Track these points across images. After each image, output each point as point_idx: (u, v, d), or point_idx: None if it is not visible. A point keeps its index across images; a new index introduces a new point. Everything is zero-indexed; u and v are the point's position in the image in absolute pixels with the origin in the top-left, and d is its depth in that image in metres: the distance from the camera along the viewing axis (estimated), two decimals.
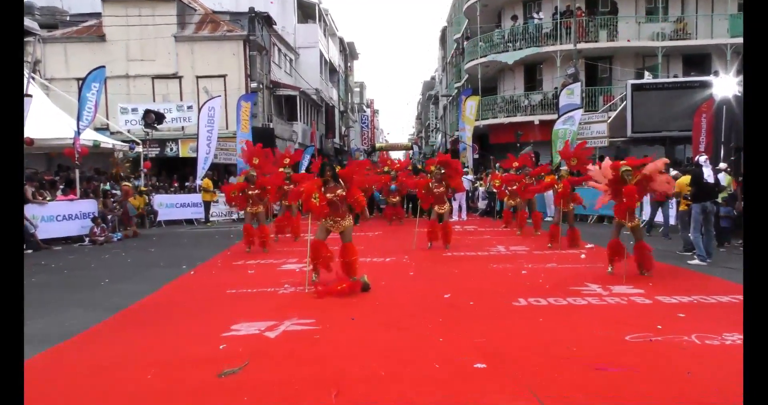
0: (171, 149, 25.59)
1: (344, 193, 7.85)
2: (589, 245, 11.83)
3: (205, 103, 22.19)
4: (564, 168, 12.81)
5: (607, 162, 8.69)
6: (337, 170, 8.08)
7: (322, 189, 7.79)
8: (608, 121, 20.81)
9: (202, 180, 20.51)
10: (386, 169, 19.94)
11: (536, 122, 27.29)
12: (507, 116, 28.97)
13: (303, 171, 23.80)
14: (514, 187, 14.88)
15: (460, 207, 19.92)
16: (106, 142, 18.64)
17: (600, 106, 25.07)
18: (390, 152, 53.37)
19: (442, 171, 11.90)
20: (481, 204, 21.99)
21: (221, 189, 12.74)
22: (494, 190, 18.01)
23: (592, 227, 16.33)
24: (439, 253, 11.44)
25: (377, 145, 56.51)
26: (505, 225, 15.95)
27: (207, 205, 19.95)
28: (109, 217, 15.98)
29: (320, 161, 20.01)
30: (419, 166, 19.17)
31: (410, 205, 20.97)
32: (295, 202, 12.10)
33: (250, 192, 11.91)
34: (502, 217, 16.56)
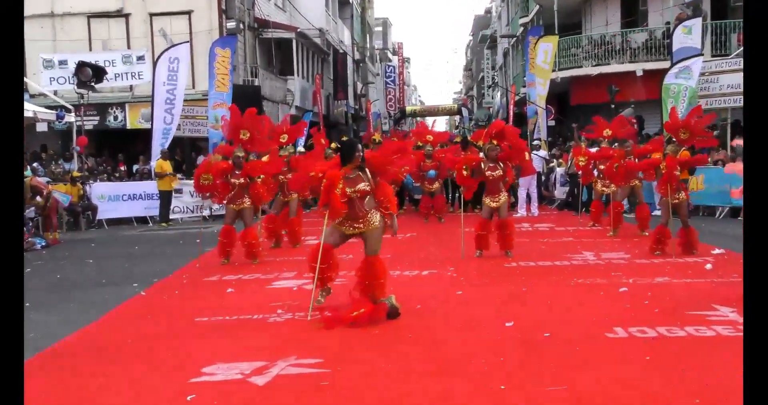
0: (115, 118, 25.91)
1: (369, 188, 7.79)
2: (717, 250, 11.71)
3: (163, 52, 22.39)
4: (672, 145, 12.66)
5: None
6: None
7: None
8: None
9: (156, 161, 20.71)
10: (419, 144, 19.92)
11: (639, 73, 27.05)
12: (596, 65, 28.74)
13: (301, 148, 23.89)
14: (605, 167, 14.69)
15: (528, 197, 19.85)
16: (25, 109, 18.95)
17: (733, 49, 24.71)
18: (428, 119, 53.55)
19: (497, 146, 11.79)
20: (559, 192, 21.87)
21: (194, 173, 12.71)
22: (578, 173, 17.72)
23: (722, 224, 16.14)
24: (498, 263, 11.42)
25: (408, 108, 56.64)
26: (594, 222, 15.86)
27: (165, 197, 20.14)
28: (31, 215, 16.21)
29: (322, 134, 20.19)
30: (468, 138, 19.06)
31: (455, 195, 20.92)
32: (301, 192, 12.06)
33: (233, 180, 11.95)
34: (590, 211, 16.43)
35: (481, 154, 11.99)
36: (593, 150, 16.47)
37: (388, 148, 8.35)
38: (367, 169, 7.82)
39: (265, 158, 13.24)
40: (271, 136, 13.55)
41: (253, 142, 12.15)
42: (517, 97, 34.49)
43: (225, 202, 12.14)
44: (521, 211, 19.37)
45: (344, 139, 8.92)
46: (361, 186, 7.74)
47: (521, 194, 19.55)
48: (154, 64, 22.30)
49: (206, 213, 19.18)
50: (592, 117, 16.73)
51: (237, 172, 11.96)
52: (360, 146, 7.95)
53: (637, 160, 14.15)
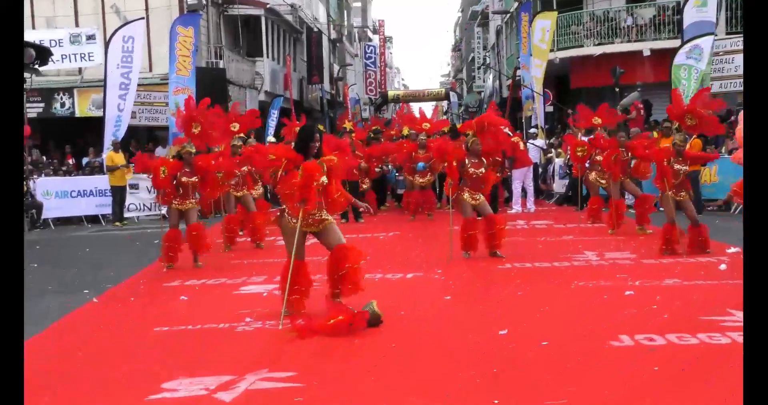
0: (62, 105, 25.78)
1: (326, 182, 7.98)
2: (732, 249, 11.77)
3: (116, 30, 22.24)
4: (679, 133, 12.70)
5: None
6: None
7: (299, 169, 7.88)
8: None
9: (106, 153, 20.61)
10: (407, 131, 19.93)
11: (646, 53, 27.19)
12: (599, 44, 28.84)
13: (271, 138, 23.85)
14: (602, 158, 14.59)
15: (524, 191, 19.92)
16: None
17: None
18: (412, 104, 53.62)
19: (478, 142, 11.87)
20: (558, 185, 21.94)
21: (139, 164, 12.62)
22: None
23: (737, 220, 16.21)
24: (491, 265, 11.45)
25: (391, 92, 56.70)
26: (591, 219, 15.82)
27: (118, 194, 20.05)
28: None
29: (296, 122, 20.13)
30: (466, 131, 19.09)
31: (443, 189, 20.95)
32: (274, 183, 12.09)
33: (184, 179, 11.92)
34: (587, 207, 16.41)
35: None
36: (590, 138, 16.43)
37: (326, 145, 8.35)
38: (323, 162, 7.99)
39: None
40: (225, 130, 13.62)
41: (204, 137, 12.24)
42: (511, 81, 34.59)
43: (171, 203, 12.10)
44: (516, 207, 19.43)
45: (303, 126, 9.04)
46: (323, 179, 7.91)
47: (516, 188, 19.58)
48: (106, 44, 22.17)
49: (165, 210, 19.12)
50: (590, 104, 16.82)
51: (188, 170, 11.93)
52: (319, 134, 8.09)
53: (629, 153, 14.23)
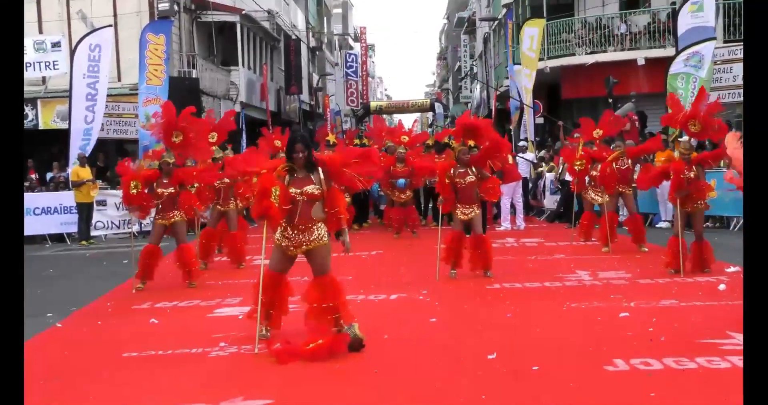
0: (26, 117, 25.64)
1: (318, 192, 7.84)
2: (732, 268, 11.82)
3: (82, 38, 22.21)
4: (683, 139, 12.74)
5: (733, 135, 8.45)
6: (313, 153, 8.06)
7: (286, 180, 7.80)
8: None
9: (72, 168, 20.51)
10: (388, 144, 19.93)
11: (641, 62, 27.34)
12: (591, 52, 28.99)
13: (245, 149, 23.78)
14: (599, 172, 14.59)
15: (513, 207, 19.95)
16: None
17: None
18: (394, 116, 53.69)
19: (472, 147, 11.87)
20: (549, 201, 22.02)
21: (118, 176, 12.44)
22: (570, 179, 17.71)
23: (737, 237, 16.28)
24: (479, 285, 11.46)
25: (373, 103, 56.70)
26: (584, 237, 15.85)
27: (85, 211, 19.95)
28: None
29: (276, 134, 20.07)
30: (447, 140, 19.04)
31: (428, 205, 20.96)
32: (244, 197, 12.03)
33: (160, 190, 11.79)
34: (579, 224, 16.41)
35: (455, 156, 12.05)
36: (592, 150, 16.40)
37: (350, 152, 8.34)
38: (320, 170, 7.87)
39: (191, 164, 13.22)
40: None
41: (187, 147, 11.95)
42: (498, 91, 34.75)
43: (152, 216, 12.00)
44: (505, 224, 19.44)
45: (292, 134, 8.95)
46: (310, 188, 7.79)
47: (505, 204, 19.56)
48: (72, 52, 22.11)
49: (135, 228, 19.02)
50: (582, 115, 16.75)
51: (165, 181, 11.79)
52: (303, 141, 7.92)
53: (630, 161, 14.30)
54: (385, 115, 48.05)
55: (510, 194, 19.51)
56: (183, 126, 11.76)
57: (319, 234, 7.89)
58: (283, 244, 7.93)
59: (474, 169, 11.81)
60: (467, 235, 12.12)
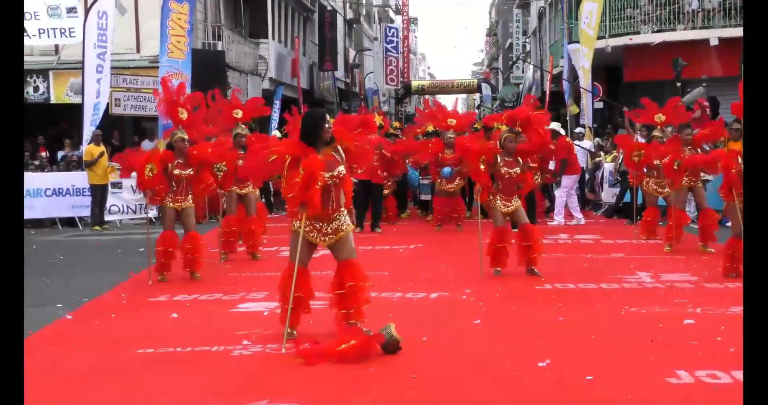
0: (36, 89, 25.82)
1: (344, 173, 8.04)
2: None
3: (93, 3, 21.96)
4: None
5: None
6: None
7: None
8: None
9: (86, 146, 20.62)
10: (431, 129, 19.83)
11: (714, 42, 27.04)
12: (658, 31, 28.73)
13: (276, 133, 23.85)
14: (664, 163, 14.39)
15: (571, 198, 19.82)
16: None
17: None
18: (438, 97, 53.58)
19: (517, 136, 11.79)
20: (608, 194, 21.87)
21: (122, 160, 12.39)
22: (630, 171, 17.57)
23: None
24: (527, 284, 11.44)
25: (414, 83, 56.72)
26: (646, 235, 15.73)
27: (98, 193, 20.09)
28: None
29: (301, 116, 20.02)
30: (496, 125, 18.92)
31: (472, 196, 20.85)
32: (257, 182, 12.11)
33: (177, 171, 11.80)
34: (641, 220, 16.26)
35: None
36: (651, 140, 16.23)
37: (349, 121, 8.38)
38: (339, 147, 8.04)
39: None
40: (220, 112, 13.63)
41: (192, 125, 12.10)
42: (552, 72, 34.55)
43: (163, 201, 11.95)
44: (558, 218, 19.29)
45: (305, 112, 8.98)
46: (340, 170, 7.97)
47: (561, 197, 19.39)
48: (86, 17, 22.09)
49: (152, 214, 19.12)
50: (656, 98, 16.44)
51: (181, 161, 11.80)
52: (325, 121, 8.02)
53: (699, 150, 14.09)
54: (427, 96, 47.98)
55: (571, 187, 19.37)
56: (182, 103, 11.96)
57: (344, 220, 8.15)
58: (311, 232, 8.00)
59: (519, 158, 11.76)
60: (514, 230, 12.07)
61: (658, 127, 15.20)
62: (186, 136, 11.88)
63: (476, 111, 57.57)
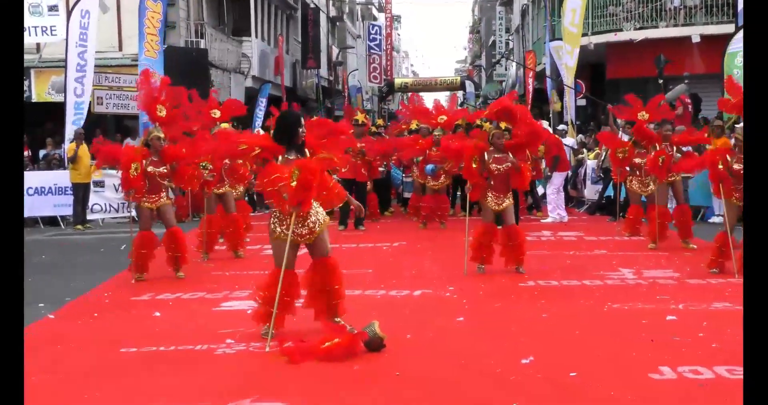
0: None
1: None
2: None
3: (77, 2, 22.01)
4: (740, 126, 12.61)
5: None
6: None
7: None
8: None
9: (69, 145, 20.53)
10: (416, 125, 19.81)
11: (695, 39, 27.14)
12: (640, 28, 28.82)
13: (260, 130, 23.85)
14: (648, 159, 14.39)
15: (543, 196, 19.83)
16: None
17: None
18: (422, 94, 53.59)
19: (501, 134, 11.80)
20: (590, 191, 21.95)
21: (102, 154, 12.31)
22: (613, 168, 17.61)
23: None
24: (511, 282, 11.47)
25: (398, 80, 56.78)
26: (629, 232, 15.79)
27: (80, 192, 20.02)
28: None
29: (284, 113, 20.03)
30: (479, 122, 18.88)
31: (455, 194, 20.88)
32: (217, 165, 12.09)
33: (150, 169, 11.74)
34: (625, 217, 16.32)
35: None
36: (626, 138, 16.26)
37: (320, 128, 8.46)
38: (307, 151, 8.15)
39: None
40: (199, 113, 13.59)
41: (172, 122, 12.10)
42: (535, 69, 34.60)
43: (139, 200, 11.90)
44: (553, 215, 19.23)
45: (283, 111, 9.06)
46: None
47: (551, 193, 19.35)
48: (68, 16, 22.04)
49: (134, 213, 19.04)
50: (639, 94, 16.41)
51: (155, 159, 11.76)
52: (298, 121, 8.18)
53: (675, 149, 14.10)
54: (408, 94, 47.98)
55: (560, 184, 19.41)
56: (162, 100, 11.91)
57: (322, 217, 8.21)
58: (289, 235, 8.02)
59: (511, 155, 11.76)
60: (498, 227, 12.08)
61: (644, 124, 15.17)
62: (161, 135, 11.83)
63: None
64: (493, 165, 11.71)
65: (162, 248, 12.20)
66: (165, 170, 11.83)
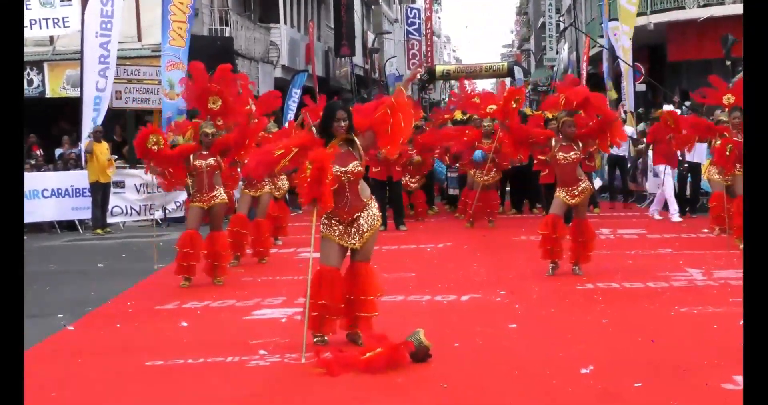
0: (30, 83, 25.96)
1: (362, 169, 8.11)
2: None
3: None
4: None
5: None
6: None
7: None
8: None
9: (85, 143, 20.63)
10: (461, 115, 19.69)
11: None
12: (705, 5, 28.60)
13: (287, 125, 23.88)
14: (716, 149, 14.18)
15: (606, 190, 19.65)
16: None
17: None
18: (466, 81, 53.47)
19: (572, 123, 11.73)
20: (651, 185, 21.76)
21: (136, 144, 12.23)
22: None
23: None
24: (567, 284, 11.42)
25: (439, 67, 56.65)
26: (717, 224, 15.21)
27: (99, 193, 20.07)
28: None
29: (318, 105, 20.05)
30: (530, 111, 18.77)
31: (505, 190, 20.74)
32: (259, 178, 12.08)
33: (198, 162, 11.59)
34: (708, 207, 15.95)
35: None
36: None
37: (366, 108, 8.43)
38: (357, 141, 8.08)
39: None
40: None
41: (228, 112, 11.88)
42: (588, 53, 34.41)
43: (189, 197, 11.97)
44: (652, 210, 18.92)
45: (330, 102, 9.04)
46: (353, 165, 8.00)
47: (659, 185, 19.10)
48: (83, 6, 22.19)
49: (158, 215, 19.15)
50: (692, 81, 16.19)
51: (204, 153, 11.65)
52: (343, 111, 8.09)
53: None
54: (452, 82, 47.93)
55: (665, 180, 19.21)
56: (218, 90, 11.74)
57: (373, 217, 8.17)
58: (336, 234, 8.00)
59: (578, 142, 11.73)
60: (567, 224, 12.04)
61: (725, 109, 14.79)
62: (211, 130, 11.72)
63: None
64: (560, 154, 11.67)
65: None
66: (214, 163, 11.73)
